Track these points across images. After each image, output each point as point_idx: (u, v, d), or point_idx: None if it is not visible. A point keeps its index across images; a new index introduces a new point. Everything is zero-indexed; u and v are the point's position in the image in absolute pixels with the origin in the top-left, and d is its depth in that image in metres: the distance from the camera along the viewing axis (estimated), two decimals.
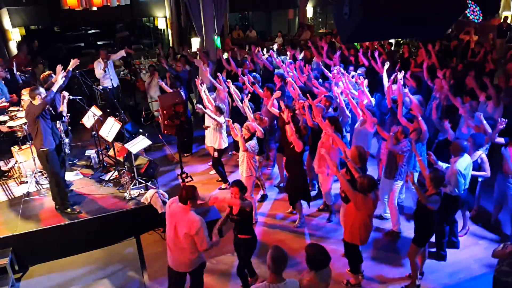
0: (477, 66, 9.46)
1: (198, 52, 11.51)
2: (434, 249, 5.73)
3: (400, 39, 13.75)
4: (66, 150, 7.42)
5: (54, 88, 5.86)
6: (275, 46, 13.02)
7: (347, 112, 7.17)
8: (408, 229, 6.08)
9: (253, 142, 6.06)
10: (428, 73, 8.23)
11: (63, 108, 6.68)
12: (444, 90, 7.25)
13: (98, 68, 9.61)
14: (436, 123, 6.66)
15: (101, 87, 9.79)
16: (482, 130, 5.86)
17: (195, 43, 13.57)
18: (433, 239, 5.41)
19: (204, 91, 7.46)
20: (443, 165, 5.45)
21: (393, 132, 5.76)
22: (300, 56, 10.24)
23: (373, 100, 7.51)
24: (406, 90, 6.98)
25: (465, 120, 6.41)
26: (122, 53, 9.96)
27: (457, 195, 5.34)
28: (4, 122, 7.02)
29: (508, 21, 14.11)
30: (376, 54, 8.80)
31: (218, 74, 8.38)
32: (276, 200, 7.28)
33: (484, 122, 5.81)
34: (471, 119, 6.32)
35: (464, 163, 5.27)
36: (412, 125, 6.05)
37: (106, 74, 9.64)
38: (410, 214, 6.33)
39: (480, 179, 6.02)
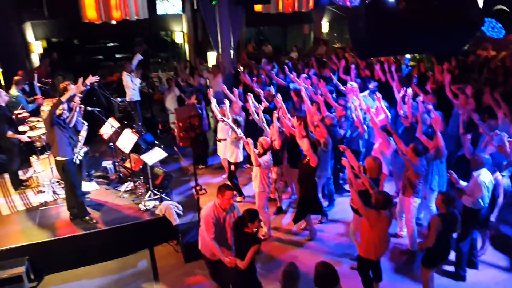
0: (494, 83, 9.33)
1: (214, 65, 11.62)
2: (453, 268, 5.61)
3: (416, 54, 13.71)
4: (83, 160, 7.50)
5: (63, 98, 5.92)
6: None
7: (364, 127, 7.10)
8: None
9: (267, 157, 6.06)
10: (439, 90, 8.13)
11: (73, 119, 6.68)
12: (469, 107, 7.13)
13: (130, 81, 9.79)
14: (462, 139, 6.53)
15: (128, 99, 9.96)
16: (503, 150, 5.73)
17: (212, 56, 13.73)
18: (452, 257, 5.29)
19: (215, 106, 7.48)
20: (463, 183, 5.36)
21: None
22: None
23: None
24: (430, 106, 6.90)
25: (486, 138, 6.28)
26: (138, 56, 10.12)
27: (479, 208, 5.23)
28: (23, 132, 7.17)
29: None
30: (393, 68, 8.77)
31: (234, 89, 8.44)
32: (290, 213, 7.24)
33: (506, 142, 5.65)
34: (492, 137, 6.18)
35: (486, 176, 5.18)
36: (432, 143, 5.98)
37: (134, 87, 9.82)
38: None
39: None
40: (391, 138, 6.41)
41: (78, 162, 6.54)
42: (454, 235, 5.12)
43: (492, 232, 6.27)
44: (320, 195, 6.83)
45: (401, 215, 6.16)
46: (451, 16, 4.94)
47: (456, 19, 4.97)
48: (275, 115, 6.90)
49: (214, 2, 10.76)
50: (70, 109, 6.46)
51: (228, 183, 7.71)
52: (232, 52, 11.61)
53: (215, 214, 4.74)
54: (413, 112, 6.95)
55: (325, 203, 7.13)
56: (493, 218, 5.60)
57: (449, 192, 4.99)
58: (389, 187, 7.32)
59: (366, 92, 8.41)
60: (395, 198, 7.04)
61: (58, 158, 5.98)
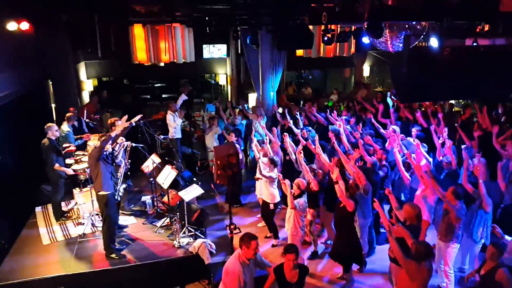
0: None
1: (254, 106, 11.83)
2: None
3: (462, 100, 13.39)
4: (122, 195, 7.70)
5: (113, 134, 6.21)
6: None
7: (407, 174, 6.76)
8: None
9: (302, 200, 5.96)
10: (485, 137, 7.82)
11: (119, 154, 6.98)
12: None
13: (172, 120, 10.14)
14: (503, 188, 6.21)
15: (170, 137, 10.27)
16: None
17: (252, 98, 14.02)
18: None
19: (256, 144, 7.56)
20: (508, 238, 5.02)
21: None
22: None
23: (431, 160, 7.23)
24: (478, 154, 6.63)
25: None
26: (183, 96, 10.47)
27: None
28: (69, 165, 7.48)
29: None
30: (440, 115, 8.59)
31: (273, 128, 8.51)
32: (326, 259, 6.99)
33: None
34: None
35: None
36: (478, 192, 5.70)
37: (176, 126, 10.16)
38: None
39: None
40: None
41: (119, 198, 6.71)
42: None
43: None
44: (363, 241, 6.60)
45: (441, 262, 5.81)
46: (497, 64, 4.84)
47: (502, 67, 4.86)
48: (299, 151, 6.88)
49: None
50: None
51: (262, 224, 7.66)
52: (272, 94, 11.81)
53: (242, 267, 4.35)
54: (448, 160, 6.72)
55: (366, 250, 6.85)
56: None
57: (499, 243, 4.66)
58: (430, 236, 6.97)
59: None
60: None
61: (101, 193, 6.15)
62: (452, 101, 11.99)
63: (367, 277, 6.51)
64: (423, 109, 10.91)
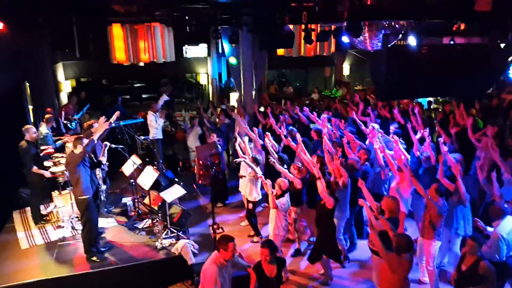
0: None
1: (236, 106, 11.82)
2: None
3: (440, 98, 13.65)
4: (102, 198, 7.62)
5: (95, 137, 6.14)
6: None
7: (386, 170, 6.98)
8: None
9: (284, 200, 5.98)
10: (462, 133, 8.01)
11: (103, 157, 6.97)
12: (490, 150, 6.98)
13: (153, 121, 10.04)
14: (483, 184, 6.35)
15: (150, 138, 10.18)
16: None
17: (234, 97, 14.02)
18: None
19: (243, 141, 7.54)
20: (491, 230, 5.15)
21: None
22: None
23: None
24: (446, 148, 6.79)
25: (508, 180, 6.09)
26: (164, 97, 10.37)
27: (501, 262, 4.97)
28: (47, 168, 7.34)
29: None
30: (416, 111, 8.74)
31: (254, 128, 8.52)
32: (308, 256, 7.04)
33: None
34: None
35: (507, 226, 4.96)
36: (454, 185, 5.82)
37: (158, 126, 10.08)
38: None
39: None
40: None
41: (104, 199, 6.57)
42: None
43: None
44: (341, 237, 6.67)
45: (422, 259, 5.92)
46: (473, 61, 4.96)
47: (478, 65, 4.98)
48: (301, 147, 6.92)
49: (235, 63, 11.16)
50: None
51: (246, 223, 7.67)
52: (254, 93, 11.82)
53: (219, 269, 4.32)
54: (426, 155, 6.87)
55: (346, 246, 6.93)
56: None
57: (478, 237, 4.77)
58: (411, 230, 7.10)
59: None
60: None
61: (82, 197, 6.05)
62: (430, 99, 12.21)
63: (349, 272, 6.60)
64: (401, 106, 11.10)
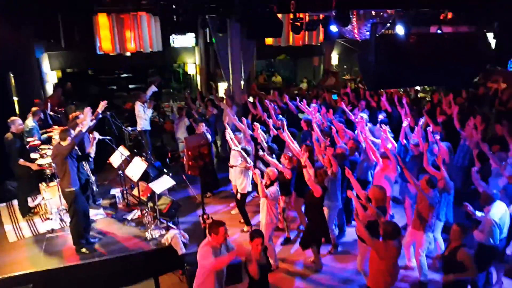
0: (506, 114, 9.29)
1: (224, 95, 11.78)
2: None
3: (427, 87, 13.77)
4: (94, 188, 7.57)
5: (83, 129, 6.07)
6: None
7: (378, 155, 7.05)
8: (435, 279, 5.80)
9: (274, 189, 6.01)
10: (449, 122, 8.11)
11: (92, 149, 6.89)
12: (474, 138, 7.10)
13: (142, 111, 9.94)
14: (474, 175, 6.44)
15: (138, 129, 10.09)
16: None
17: (222, 87, 13.96)
18: None
19: (229, 133, 7.55)
20: (480, 214, 5.24)
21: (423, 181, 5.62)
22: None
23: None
24: (438, 137, 6.87)
25: (497, 170, 6.19)
26: (153, 88, 10.27)
27: (492, 245, 5.08)
28: (34, 160, 7.25)
29: None
30: (404, 101, 8.81)
31: (243, 118, 8.50)
32: (298, 244, 7.10)
33: None
34: (504, 168, 6.10)
35: (498, 211, 5.06)
36: (440, 173, 5.91)
37: (146, 117, 10.00)
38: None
39: None
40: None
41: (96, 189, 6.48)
42: None
43: (508, 265, 6.07)
44: (333, 226, 6.74)
45: (410, 248, 6.00)
46: (460, 50, 4.99)
47: (465, 54, 5.01)
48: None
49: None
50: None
51: (236, 211, 7.70)
52: (242, 83, 11.78)
53: (215, 251, 4.40)
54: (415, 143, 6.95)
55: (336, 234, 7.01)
56: (509, 251, 5.44)
57: (463, 223, 4.86)
58: (398, 217, 7.21)
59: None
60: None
61: (69, 189, 5.99)
62: (418, 88, 12.31)
63: (338, 258, 6.68)
64: (388, 95, 11.17)
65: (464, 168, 7.09)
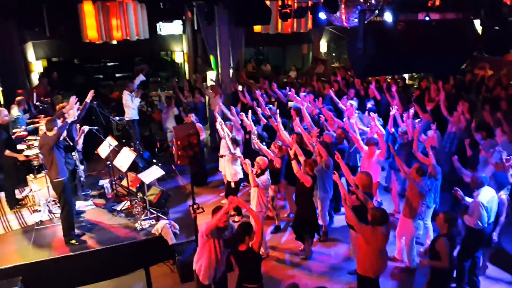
0: (492, 101, 9.39)
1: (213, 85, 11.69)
2: (454, 285, 5.51)
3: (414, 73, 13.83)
4: (82, 178, 7.50)
5: (69, 119, 5.99)
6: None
7: (364, 146, 7.08)
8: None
9: (264, 178, 6.02)
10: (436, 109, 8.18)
11: (80, 140, 6.80)
12: (461, 125, 7.17)
13: (129, 100, 9.82)
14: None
15: (126, 118, 9.99)
16: (501, 168, 5.70)
17: (211, 76, 13.84)
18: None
19: (220, 123, 7.52)
20: (469, 200, 5.32)
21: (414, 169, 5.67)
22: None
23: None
24: (433, 126, 6.92)
25: (485, 158, 6.27)
26: (140, 77, 10.15)
27: (481, 228, 5.18)
28: (21, 151, 7.15)
29: None
30: (394, 89, 8.83)
31: (232, 107, 8.46)
32: (288, 232, 7.15)
33: (504, 159, 5.65)
34: (491, 155, 6.17)
35: (486, 195, 5.14)
36: (428, 160, 5.97)
37: (134, 106, 9.89)
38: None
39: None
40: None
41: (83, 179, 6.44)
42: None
43: (493, 250, 6.19)
44: (327, 217, 6.79)
45: (401, 238, 6.08)
46: (448, 37, 4.99)
47: (453, 41, 5.02)
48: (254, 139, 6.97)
49: None
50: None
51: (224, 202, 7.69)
52: (231, 71, 11.69)
53: (217, 230, 4.58)
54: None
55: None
56: (495, 236, 5.54)
57: (450, 211, 4.93)
58: (386, 204, 7.29)
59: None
60: (394, 216, 7.00)
61: (57, 179, 5.94)
62: (405, 75, 12.36)
63: (328, 246, 6.74)
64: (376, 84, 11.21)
65: (452, 154, 7.16)
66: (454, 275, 5.38)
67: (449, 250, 4.60)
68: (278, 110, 7.88)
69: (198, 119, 8.86)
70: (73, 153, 6.94)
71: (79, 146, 7.09)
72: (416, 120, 7.34)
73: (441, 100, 8.09)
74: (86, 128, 6.99)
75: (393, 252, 6.25)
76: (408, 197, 5.73)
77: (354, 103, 8.57)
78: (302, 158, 6.05)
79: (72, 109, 6.27)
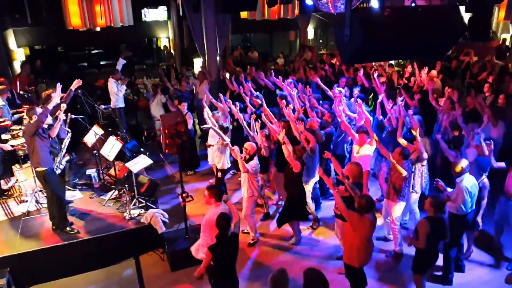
0: (477, 87, 9.50)
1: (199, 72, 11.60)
2: (440, 273, 5.63)
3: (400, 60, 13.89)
4: (67, 167, 7.41)
5: (50, 106, 5.87)
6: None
7: (355, 134, 7.09)
8: (411, 251, 5.99)
9: (254, 163, 6.04)
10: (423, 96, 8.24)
11: (56, 130, 6.47)
12: (457, 112, 7.20)
13: (115, 88, 9.69)
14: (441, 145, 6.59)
15: (112, 106, 9.86)
16: (481, 151, 5.80)
17: (198, 63, 13.72)
18: (439, 262, 5.30)
19: (207, 111, 7.49)
20: (451, 190, 5.41)
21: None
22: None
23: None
24: (410, 112, 6.98)
25: (468, 141, 6.37)
26: (121, 61, 10.00)
27: (464, 213, 5.28)
28: (6, 141, 7.03)
29: (507, 43, 14.28)
30: (375, 75, 8.83)
31: (220, 94, 8.41)
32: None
33: (483, 142, 5.76)
34: (472, 138, 6.28)
35: (469, 181, 5.23)
36: (413, 146, 6.04)
37: (119, 93, 9.77)
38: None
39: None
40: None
41: (59, 171, 6.41)
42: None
43: (476, 233, 6.34)
44: (310, 200, 6.84)
45: (386, 218, 6.19)
46: (434, 23, 5.02)
47: (439, 27, 5.05)
48: (253, 120, 6.93)
49: None
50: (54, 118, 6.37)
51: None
52: (218, 58, 11.60)
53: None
54: (396, 117, 7.04)
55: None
56: (479, 220, 5.66)
57: (438, 196, 5.01)
58: (373, 190, 7.38)
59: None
60: (380, 202, 7.09)
61: (38, 169, 5.87)
62: (392, 62, 12.41)
63: (316, 232, 6.82)
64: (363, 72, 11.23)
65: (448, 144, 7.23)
66: (442, 264, 5.51)
67: (429, 232, 4.67)
68: (264, 101, 7.85)
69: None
70: (66, 140, 6.76)
71: (54, 134, 6.74)
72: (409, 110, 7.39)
73: (430, 89, 8.12)
74: (62, 116, 6.69)
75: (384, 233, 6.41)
76: (391, 180, 5.83)
77: (343, 90, 8.59)
78: (289, 147, 6.07)
79: (58, 96, 6.13)
